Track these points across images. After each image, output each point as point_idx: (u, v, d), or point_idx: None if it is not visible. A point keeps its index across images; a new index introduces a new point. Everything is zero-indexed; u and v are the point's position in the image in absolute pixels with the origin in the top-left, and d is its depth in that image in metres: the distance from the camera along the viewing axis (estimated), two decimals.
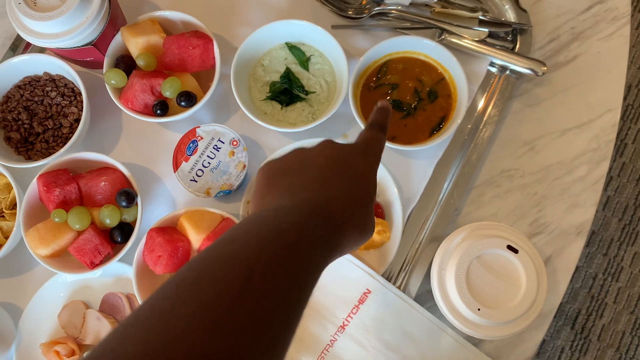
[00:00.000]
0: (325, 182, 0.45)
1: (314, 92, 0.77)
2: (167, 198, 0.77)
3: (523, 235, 0.70)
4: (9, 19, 0.69)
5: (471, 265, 0.65)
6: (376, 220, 0.71)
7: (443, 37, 0.78)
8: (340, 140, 0.74)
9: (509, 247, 0.65)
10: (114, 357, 0.30)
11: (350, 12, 0.80)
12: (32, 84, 0.78)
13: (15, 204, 0.75)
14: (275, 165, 0.48)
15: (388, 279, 0.72)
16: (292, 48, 0.78)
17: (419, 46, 0.76)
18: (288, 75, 0.77)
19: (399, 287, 0.71)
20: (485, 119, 0.77)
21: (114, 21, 0.73)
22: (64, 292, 0.75)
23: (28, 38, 0.69)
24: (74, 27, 0.68)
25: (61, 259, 0.71)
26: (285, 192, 0.44)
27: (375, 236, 0.71)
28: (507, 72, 0.78)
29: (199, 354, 0.30)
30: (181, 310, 0.32)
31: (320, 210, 0.42)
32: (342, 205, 0.44)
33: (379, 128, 0.52)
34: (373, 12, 0.79)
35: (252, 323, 0.32)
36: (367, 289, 0.70)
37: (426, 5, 0.79)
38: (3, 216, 0.75)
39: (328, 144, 0.49)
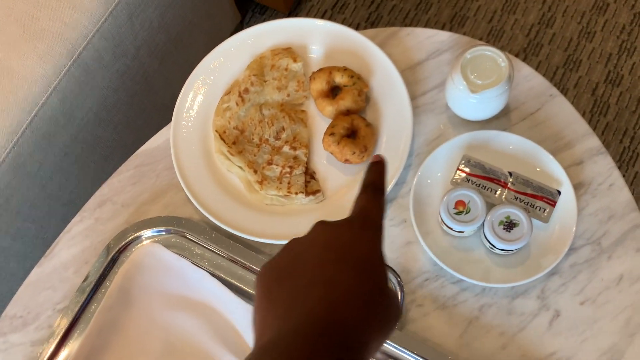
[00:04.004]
0: (328, 281, 0.38)
1: None
2: None
3: None
4: None
5: None
6: None
7: None
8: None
9: None
10: None
11: None
12: None
13: None
14: (269, 269, 0.40)
15: None
16: None
17: None
18: None
19: None
20: None
21: None
22: None
23: None
24: None
25: None
26: (283, 309, 0.37)
27: None
28: None
29: None
30: None
31: (329, 325, 0.35)
32: (354, 306, 0.37)
33: (373, 189, 0.44)
34: None
35: None
36: None
37: None
38: None
39: (321, 229, 0.42)
